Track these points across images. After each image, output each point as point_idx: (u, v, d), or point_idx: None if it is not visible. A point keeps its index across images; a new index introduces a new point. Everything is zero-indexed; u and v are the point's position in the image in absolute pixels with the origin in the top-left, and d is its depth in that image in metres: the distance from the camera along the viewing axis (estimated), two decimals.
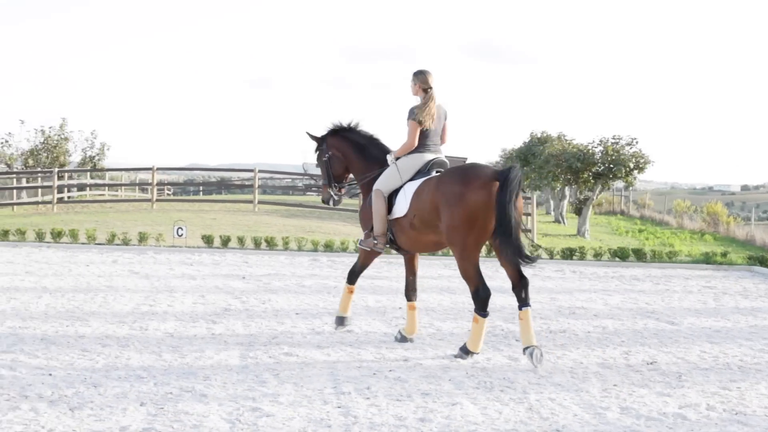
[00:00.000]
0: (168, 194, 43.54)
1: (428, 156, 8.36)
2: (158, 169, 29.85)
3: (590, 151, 27.65)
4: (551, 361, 7.91)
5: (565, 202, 36.27)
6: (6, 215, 26.13)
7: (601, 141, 27.75)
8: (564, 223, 34.84)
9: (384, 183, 8.39)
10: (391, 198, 8.41)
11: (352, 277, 8.87)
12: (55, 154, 37.62)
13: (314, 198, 36.73)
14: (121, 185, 37.72)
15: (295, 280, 13.33)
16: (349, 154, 8.87)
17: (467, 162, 9.77)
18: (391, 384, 6.89)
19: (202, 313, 10.07)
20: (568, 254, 16.95)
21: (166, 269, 13.97)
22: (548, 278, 14.27)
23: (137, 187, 39.33)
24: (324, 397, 6.44)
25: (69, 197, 33.35)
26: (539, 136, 39.09)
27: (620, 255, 16.81)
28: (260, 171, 29.29)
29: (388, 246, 8.51)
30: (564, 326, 9.79)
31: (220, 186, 42.53)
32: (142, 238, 16.95)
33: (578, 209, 30.76)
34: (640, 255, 16.88)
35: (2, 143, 36.81)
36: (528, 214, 24.22)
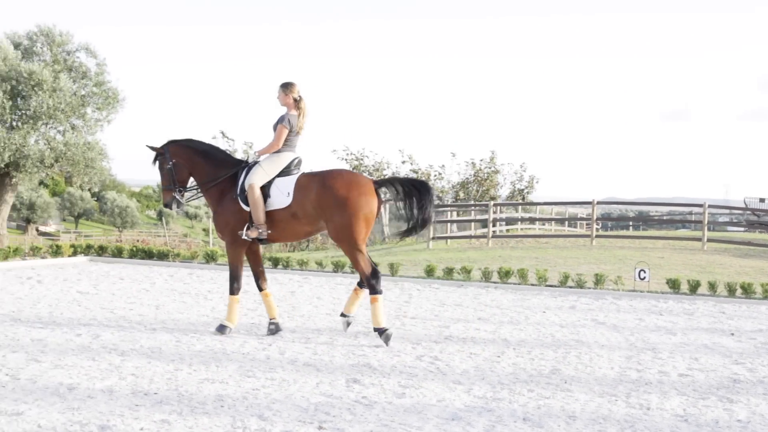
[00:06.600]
0: (597, 229, 41.59)
1: (291, 155, 9.36)
2: (598, 203, 27.95)
3: None
4: None
5: None
6: (441, 249, 25.74)
7: None
8: None
9: (255, 179, 9.15)
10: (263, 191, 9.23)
11: (237, 286, 9.40)
12: (485, 187, 37.45)
13: (762, 236, 32.74)
14: (552, 219, 36.28)
15: None
16: (195, 160, 9.59)
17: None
18: None
19: (706, 385, 7.90)
20: None
21: (634, 319, 11.93)
22: None
23: (566, 222, 37.76)
24: None
25: (500, 231, 32.60)
26: None
27: None
28: (710, 206, 26.30)
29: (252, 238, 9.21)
30: None
31: (662, 222, 39.65)
32: (599, 280, 15.04)
33: None
34: None
35: (435, 176, 37.39)
36: None
